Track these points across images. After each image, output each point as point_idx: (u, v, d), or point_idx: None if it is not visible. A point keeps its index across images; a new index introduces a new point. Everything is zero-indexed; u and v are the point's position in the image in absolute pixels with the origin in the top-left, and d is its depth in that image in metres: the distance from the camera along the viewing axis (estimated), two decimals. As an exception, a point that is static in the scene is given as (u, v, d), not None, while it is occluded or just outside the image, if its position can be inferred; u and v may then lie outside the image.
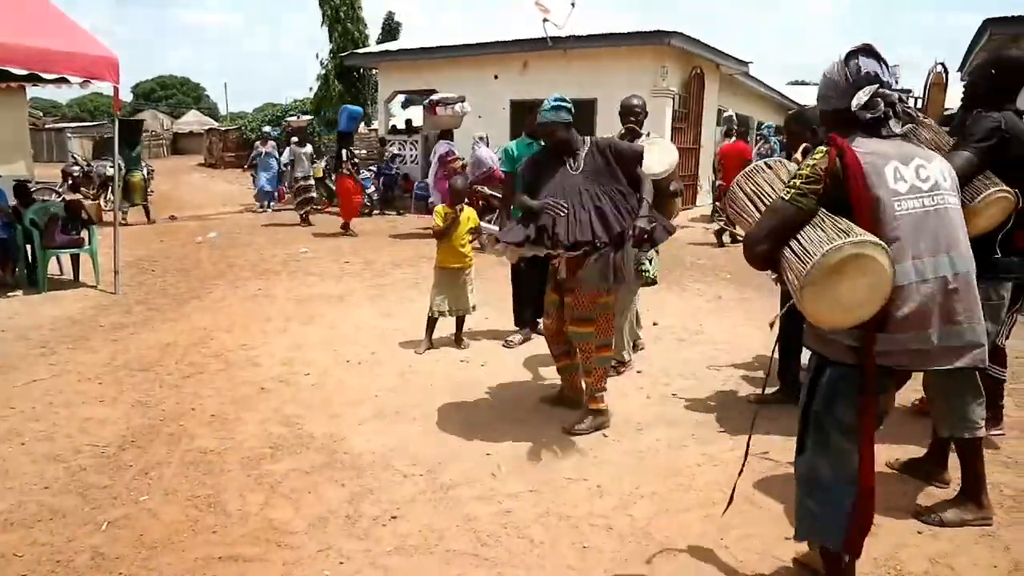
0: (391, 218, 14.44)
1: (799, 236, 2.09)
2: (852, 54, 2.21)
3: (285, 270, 8.73)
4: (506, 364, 5.28)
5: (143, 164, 14.12)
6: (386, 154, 16.11)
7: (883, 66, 2.21)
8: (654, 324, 6.36)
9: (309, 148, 13.91)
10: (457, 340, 5.73)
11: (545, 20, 13.83)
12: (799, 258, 2.04)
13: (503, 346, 5.68)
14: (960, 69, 14.75)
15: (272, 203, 15.47)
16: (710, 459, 3.74)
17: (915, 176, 2.11)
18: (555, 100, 4.03)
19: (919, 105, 13.53)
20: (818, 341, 2.23)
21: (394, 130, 17.75)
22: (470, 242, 5.72)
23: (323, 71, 19.43)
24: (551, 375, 4.92)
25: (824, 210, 2.10)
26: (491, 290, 7.41)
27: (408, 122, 17.79)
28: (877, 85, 2.17)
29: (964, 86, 3.33)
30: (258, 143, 15.56)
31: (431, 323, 5.64)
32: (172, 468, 3.54)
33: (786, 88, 26.28)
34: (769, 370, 3.24)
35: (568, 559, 2.82)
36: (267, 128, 16.70)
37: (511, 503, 3.25)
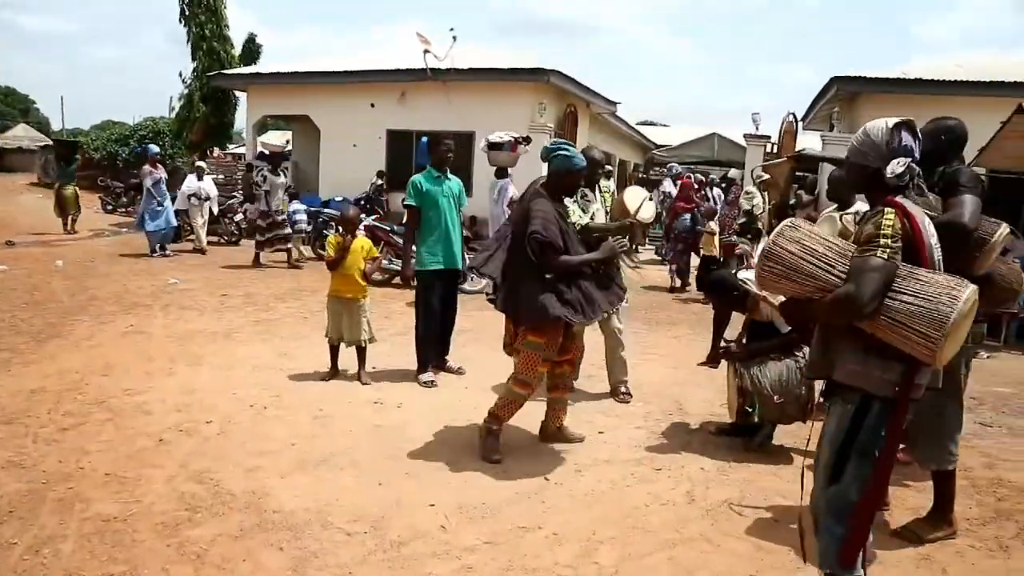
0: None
1: (903, 290, 2.26)
2: (898, 127, 2.42)
3: (156, 303, 8.00)
4: (422, 405, 5.06)
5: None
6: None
7: (916, 141, 2.44)
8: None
9: (283, 178, 11.86)
10: (360, 376, 5.52)
11: (426, 51, 13.78)
12: (925, 306, 2.21)
13: (422, 386, 5.45)
14: (804, 118, 16.15)
15: (167, 244, 12.17)
16: (656, 499, 3.72)
17: (932, 230, 2.39)
18: (566, 144, 4.21)
19: (774, 150, 14.72)
20: (859, 377, 2.36)
21: (262, 156, 16.95)
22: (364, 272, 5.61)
23: (186, 91, 18.24)
24: (469, 416, 4.81)
25: (907, 264, 2.31)
26: (386, 326, 7.18)
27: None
28: (911, 159, 2.39)
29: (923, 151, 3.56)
30: (147, 166, 11.95)
31: (334, 350, 5.63)
32: (70, 542, 3.04)
33: (637, 127, 27.60)
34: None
35: (548, 618, 2.68)
36: (154, 147, 13.06)
37: (470, 558, 3.06)
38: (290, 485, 3.67)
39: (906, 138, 2.42)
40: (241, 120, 18.69)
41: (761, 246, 3.60)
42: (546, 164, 4.21)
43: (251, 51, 23.54)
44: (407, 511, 3.45)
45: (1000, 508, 3.86)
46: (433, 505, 3.52)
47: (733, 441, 4.57)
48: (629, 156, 25.11)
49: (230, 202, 14.10)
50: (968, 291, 2.24)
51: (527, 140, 9.27)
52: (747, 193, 11.20)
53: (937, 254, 2.36)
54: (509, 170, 8.33)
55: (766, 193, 11.34)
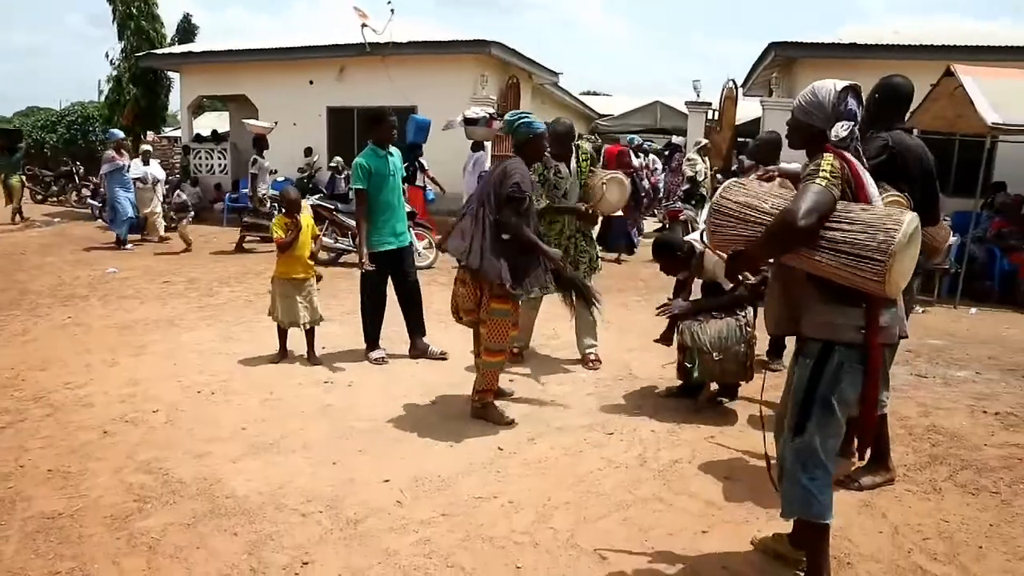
0: (205, 231, 13.27)
1: (847, 219, 2.34)
2: (844, 91, 2.48)
3: (94, 294, 7.75)
4: (373, 383, 5.04)
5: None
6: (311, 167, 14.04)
7: (860, 106, 2.52)
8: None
9: (268, 161, 11.68)
10: (310, 356, 5.45)
11: (363, 26, 13.51)
12: (871, 233, 2.29)
13: (372, 363, 5.42)
14: (744, 84, 16.37)
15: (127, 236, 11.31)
16: (609, 462, 3.79)
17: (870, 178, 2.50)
18: (522, 113, 4.40)
19: (715, 117, 14.91)
20: (825, 328, 2.46)
21: (199, 138, 16.50)
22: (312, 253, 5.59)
23: (114, 72, 17.48)
24: (420, 391, 4.85)
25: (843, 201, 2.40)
26: (333, 305, 7.11)
27: (214, 131, 16.62)
28: (854, 123, 2.47)
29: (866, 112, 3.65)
30: (110, 152, 11.16)
31: (282, 332, 5.52)
32: (13, 543, 2.95)
33: (581, 97, 27.59)
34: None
35: (506, 584, 2.72)
36: (117, 132, 12.02)
37: (427, 531, 3.08)
38: (242, 470, 3.62)
39: (851, 103, 2.49)
40: (176, 102, 18.09)
41: (706, 210, 3.69)
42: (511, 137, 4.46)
43: (187, 31, 22.70)
44: (362, 488, 3.44)
45: (934, 453, 4.05)
46: (388, 481, 3.52)
47: (682, 403, 4.66)
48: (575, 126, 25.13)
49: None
50: (909, 216, 2.34)
51: (501, 116, 9.29)
52: (689, 160, 11.37)
53: (873, 191, 2.47)
54: (485, 144, 8.36)
55: (707, 159, 11.51)
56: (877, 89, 3.57)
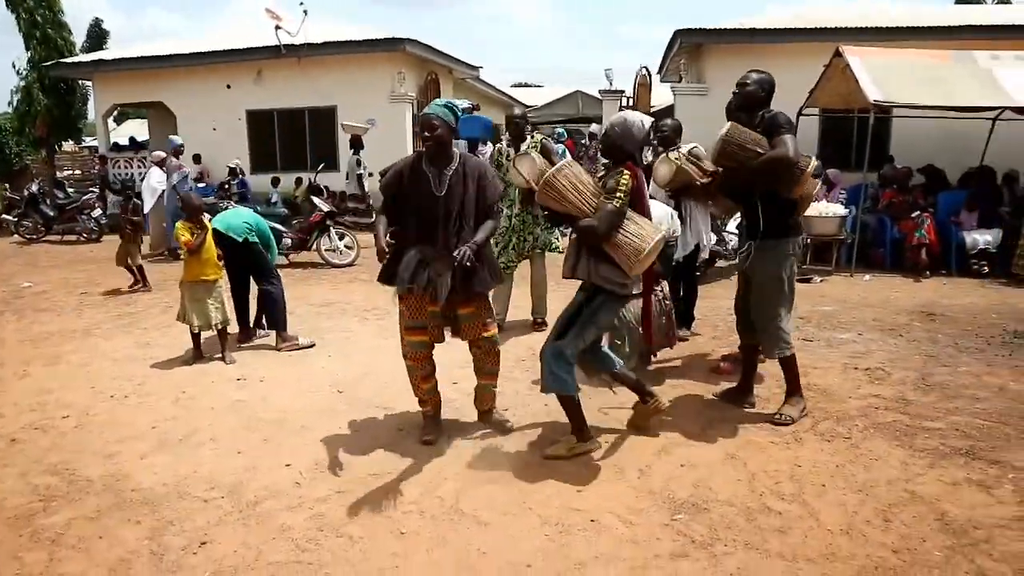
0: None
1: (625, 228, 3.53)
2: (651, 126, 3.88)
3: (8, 309, 7.68)
4: (284, 376, 5.21)
5: None
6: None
7: (651, 133, 4.13)
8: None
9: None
10: (223, 356, 5.61)
11: (277, 28, 13.49)
12: (634, 242, 3.51)
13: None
14: (659, 71, 16.86)
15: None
16: (504, 437, 4.04)
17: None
18: (446, 102, 3.90)
19: (630, 103, 15.31)
20: (604, 280, 3.58)
21: (116, 147, 16.19)
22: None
23: (22, 83, 16.99)
24: (330, 382, 5.05)
25: (630, 210, 3.59)
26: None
27: (132, 139, 16.33)
28: (649, 146, 3.58)
29: (741, 96, 4.12)
30: (172, 160, 10.47)
31: (196, 337, 5.65)
32: (-84, 545, 3.07)
33: (510, 89, 27.97)
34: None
35: (389, 547, 2.96)
36: (176, 138, 11.01)
37: (322, 507, 3.30)
38: (149, 465, 3.78)
39: (649, 134, 3.92)
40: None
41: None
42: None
43: (98, 35, 22.12)
44: (264, 474, 3.64)
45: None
46: (289, 465, 3.72)
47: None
48: (498, 118, 25.42)
49: (85, 198, 13.44)
50: (657, 236, 3.56)
51: (477, 108, 9.60)
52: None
53: (647, 201, 3.74)
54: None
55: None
56: (764, 83, 4.11)
